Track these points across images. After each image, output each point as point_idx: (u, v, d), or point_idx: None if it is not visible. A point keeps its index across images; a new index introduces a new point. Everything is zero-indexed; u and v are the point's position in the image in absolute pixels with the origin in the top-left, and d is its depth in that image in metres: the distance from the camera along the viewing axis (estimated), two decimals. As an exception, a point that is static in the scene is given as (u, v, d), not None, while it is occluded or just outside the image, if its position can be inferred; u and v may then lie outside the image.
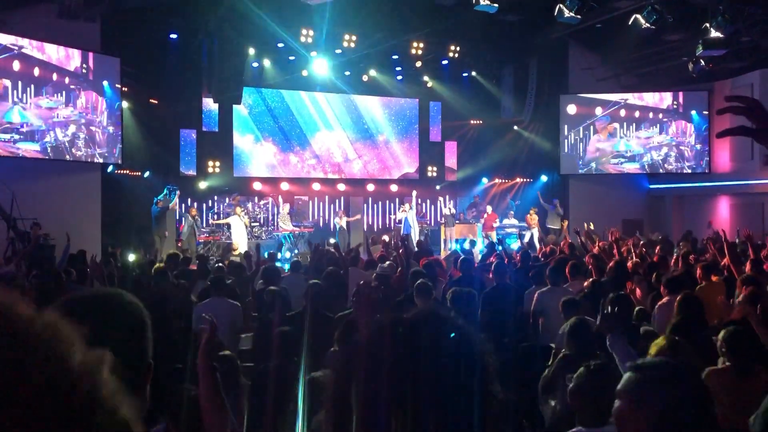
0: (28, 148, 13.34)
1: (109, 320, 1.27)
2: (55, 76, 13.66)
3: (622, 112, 19.22)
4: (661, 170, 19.20)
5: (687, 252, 9.11)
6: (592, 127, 19.36)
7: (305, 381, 2.83)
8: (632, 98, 19.21)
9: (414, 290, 5.71)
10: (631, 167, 19.33)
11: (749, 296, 5.02)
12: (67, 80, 13.85)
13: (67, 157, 13.99)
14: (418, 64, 18.10)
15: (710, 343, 4.16)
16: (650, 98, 19.22)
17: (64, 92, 13.84)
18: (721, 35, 13.24)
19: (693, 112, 18.84)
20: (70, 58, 13.96)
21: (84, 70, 14.16)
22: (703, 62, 15.15)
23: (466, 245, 14.41)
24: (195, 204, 17.44)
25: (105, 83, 14.56)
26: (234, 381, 3.32)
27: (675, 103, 19.00)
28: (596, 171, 19.32)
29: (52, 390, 0.65)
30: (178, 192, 15.67)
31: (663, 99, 19.14)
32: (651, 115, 19.17)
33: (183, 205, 17.43)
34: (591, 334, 3.84)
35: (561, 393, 2.97)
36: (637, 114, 19.22)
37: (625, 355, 2.78)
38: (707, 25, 13.21)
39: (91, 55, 14.21)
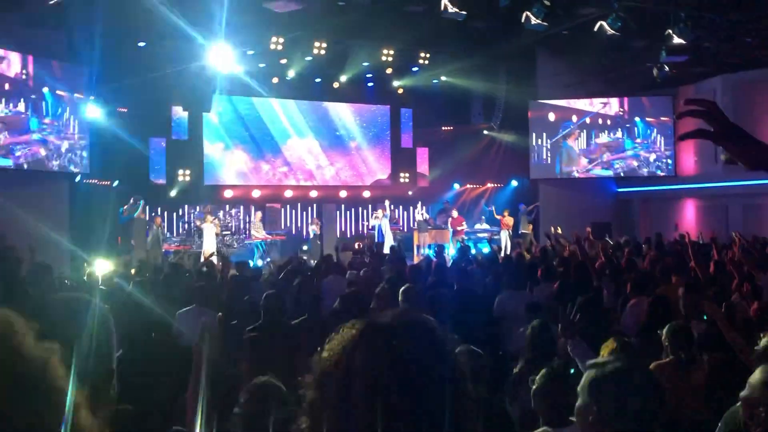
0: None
1: (71, 319, 1.35)
2: (7, 86, 13.33)
3: (588, 119, 19.53)
4: (622, 173, 19.48)
5: (654, 255, 9.29)
6: (561, 133, 19.62)
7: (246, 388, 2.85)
8: (583, 105, 19.46)
9: (401, 295, 5.67)
10: (601, 172, 19.62)
11: (713, 297, 5.17)
12: (19, 87, 13.52)
13: (26, 167, 13.73)
14: (389, 71, 18.20)
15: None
16: (598, 106, 19.49)
17: (22, 100, 13.52)
18: (683, 42, 13.54)
19: (637, 119, 19.24)
20: (11, 64, 13.54)
21: (24, 77, 13.75)
22: (666, 68, 15.48)
23: (438, 251, 14.50)
24: (165, 213, 17.30)
25: (67, 92, 14.31)
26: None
27: (621, 110, 19.37)
28: (565, 175, 19.57)
29: (5, 371, 0.82)
30: (142, 202, 15.48)
31: (611, 106, 19.47)
32: (609, 122, 19.48)
33: (153, 214, 17.28)
34: (551, 337, 3.93)
35: (525, 395, 3.03)
36: (600, 121, 19.52)
37: (585, 358, 2.85)
38: (670, 31, 13.50)
39: (30, 59, 13.71)
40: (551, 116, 19.57)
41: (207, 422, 2.01)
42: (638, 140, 19.22)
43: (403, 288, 5.65)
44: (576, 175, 19.58)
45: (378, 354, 1.08)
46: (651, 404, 1.80)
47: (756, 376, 2.18)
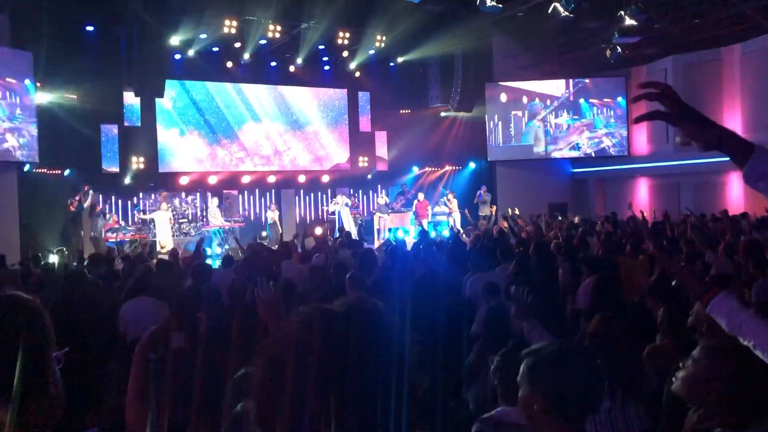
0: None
1: (6, 318, 1.36)
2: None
3: (545, 100, 19.73)
4: (593, 154, 19.77)
5: (608, 233, 9.47)
6: (516, 114, 19.78)
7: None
8: (535, 86, 19.66)
9: (347, 281, 5.71)
10: (560, 152, 19.85)
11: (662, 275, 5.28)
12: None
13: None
14: (345, 53, 18.06)
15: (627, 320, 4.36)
16: (547, 87, 19.72)
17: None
18: (635, 23, 13.77)
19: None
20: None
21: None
22: (619, 49, 15.73)
23: (399, 234, 14.54)
24: (119, 202, 16.99)
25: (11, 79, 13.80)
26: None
27: (567, 91, 19.65)
28: (537, 156, 19.70)
29: None
30: (90, 192, 15.11)
31: (557, 87, 19.73)
32: (557, 102, 19.72)
33: (107, 204, 16.93)
34: (506, 318, 3.94)
35: (484, 376, 3.06)
36: (555, 103, 19.73)
37: (541, 340, 2.88)
38: (622, 13, 13.71)
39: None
40: (506, 97, 19.70)
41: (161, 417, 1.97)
42: (609, 121, 19.51)
43: (348, 274, 5.66)
44: (556, 155, 19.70)
45: (324, 338, 1.10)
46: (594, 383, 1.79)
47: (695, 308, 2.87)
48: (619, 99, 19.34)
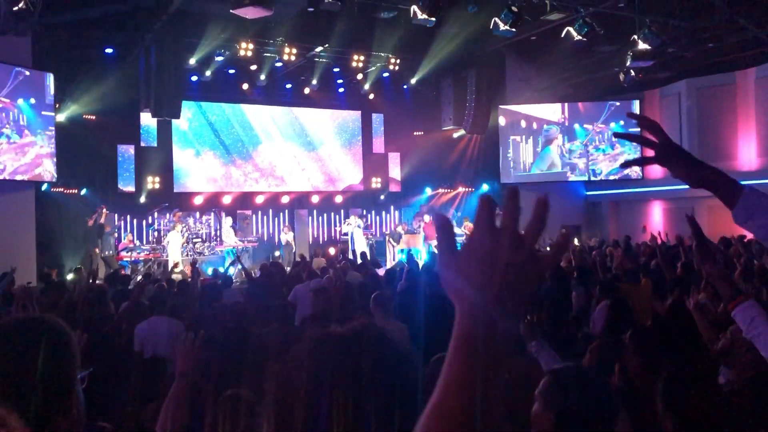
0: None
1: (27, 346, 1.35)
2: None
3: (566, 123, 19.79)
4: (593, 177, 19.76)
5: (622, 256, 9.43)
6: (527, 137, 19.83)
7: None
8: (553, 111, 19.75)
9: (372, 302, 5.64)
10: (574, 176, 19.86)
11: (678, 298, 5.25)
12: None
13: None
14: (360, 76, 18.22)
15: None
16: (542, 111, 19.80)
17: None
18: (648, 47, 13.80)
19: (576, 126, 19.59)
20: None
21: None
22: (633, 72, 15.76)
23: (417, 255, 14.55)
24: (134, 221, 17.15)
25: (32, 100, 14.06)
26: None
27: (562, 116, 19.71)
28: (538, 179, 19.76)
29: None
30: (104, 210, 15.34)
31: (554, 112, 19.80)
32: (581, 126, 19.78)
33: (122, 221, 17.09)
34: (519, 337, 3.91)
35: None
36: (576, 126, 19.78)
37: (550, 361, 2.88)
38: (635, 37, 13.76)
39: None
40: (521, 121, 19.79)
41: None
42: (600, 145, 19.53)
43: (374, 294, 5.65)
44: (553, 179, 19.72)
45: (333, 363, 1.10)
46: (606, 407, 1.82)
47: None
48: (612, 125, 19.38)
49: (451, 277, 0.87)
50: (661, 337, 4.21)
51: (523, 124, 19.81)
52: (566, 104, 19.60)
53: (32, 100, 14.06)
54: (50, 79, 14.32)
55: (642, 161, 1.55)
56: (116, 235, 16.17)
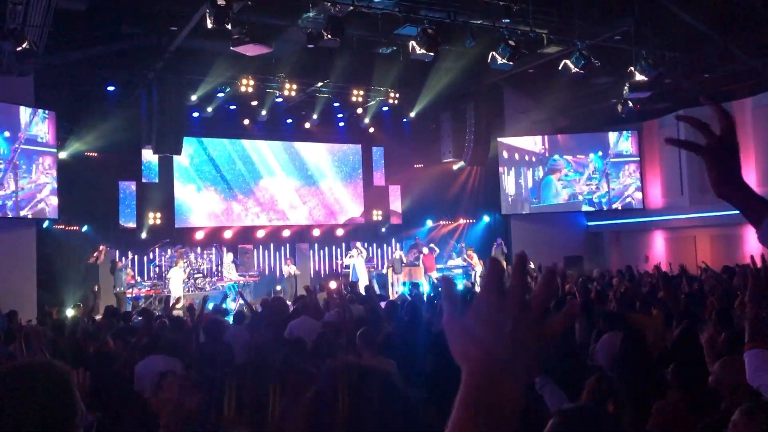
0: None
1: (31, 392, 1.34)
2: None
3: (571, 157, 19.93)
4: (592, 207, 19.78)
5: (625, 288, 9.37)
6: (527, 168, 19.92)
7: None
8: (517, 142, 19.97)
9: (358, 339, 5.55)
10: (576, 206, 19.90)
11: (686, 328, 5.20)
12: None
13: None
14: (359, 110, 18.38)
15: (653, 377, 4.27)
16: (524, 143, 20.03)
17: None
18: (645, 78, 13.93)
19: (555, 156, 19.75)
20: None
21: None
22: (630, 103, 15.88)
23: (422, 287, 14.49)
24: (135, 257, 17.13)
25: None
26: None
27: (543, 147, 19.86)
28: (537, 210, 19.79)
29: None
30: (105, 250, 15.41)
31: (535, 143, 20.04)
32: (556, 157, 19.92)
33: (124, 258, 17.05)
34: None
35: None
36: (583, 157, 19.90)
37: (553, 397, 2.84)
38: (632, 68, 13.90)
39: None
40: (518, 153, 19.92)
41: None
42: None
43: (360, 331, 5.55)
44: (556, 209, 19.75)
45: (356, 394, 1.14)
46: None
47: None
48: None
49: (457, 339, 0.88)
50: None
51: (517, 156, 19.95)
52: (546, 136, 19.80)
53: (35, 138, 14.16)
54: (52, 117, 14.46)
55: (687, 145, 1.51)
56: (130, 271, 16.15)
